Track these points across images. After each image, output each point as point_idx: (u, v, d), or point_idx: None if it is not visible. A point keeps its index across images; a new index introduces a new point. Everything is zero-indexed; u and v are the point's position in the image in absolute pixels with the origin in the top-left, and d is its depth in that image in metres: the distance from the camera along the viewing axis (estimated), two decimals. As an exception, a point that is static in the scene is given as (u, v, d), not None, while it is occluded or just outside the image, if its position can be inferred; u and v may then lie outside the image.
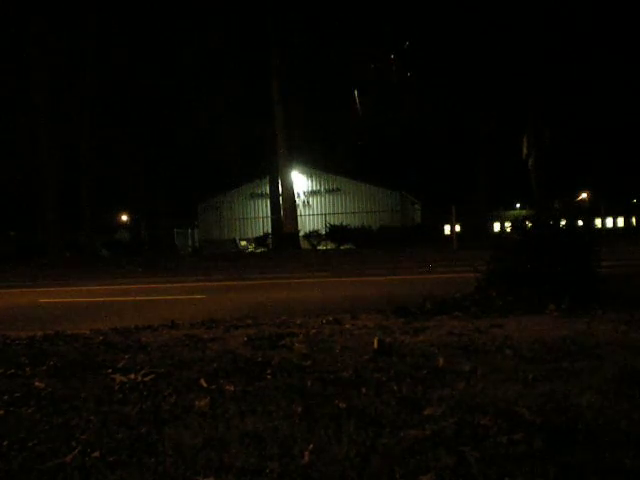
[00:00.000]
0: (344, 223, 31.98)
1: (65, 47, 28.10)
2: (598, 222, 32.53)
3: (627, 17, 29.95)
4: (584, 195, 47.36)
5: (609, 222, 43.39)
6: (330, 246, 30.84)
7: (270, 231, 33.07)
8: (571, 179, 39.39)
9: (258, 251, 31.79)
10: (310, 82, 31.04)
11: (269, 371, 4.04)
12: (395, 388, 3.48)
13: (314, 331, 5.78)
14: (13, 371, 4.39)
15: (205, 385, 3.75)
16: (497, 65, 30.13)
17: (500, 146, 32.19)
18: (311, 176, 36.99)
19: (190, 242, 39.59)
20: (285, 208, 30.56)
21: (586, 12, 29.39)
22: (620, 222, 46.59)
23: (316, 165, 37.63)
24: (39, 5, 26.81)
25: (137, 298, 11.33)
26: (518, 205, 48.09)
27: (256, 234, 34.78)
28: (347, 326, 6.05)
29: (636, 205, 49.61)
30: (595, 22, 29.71)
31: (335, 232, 31.01)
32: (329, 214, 34.38)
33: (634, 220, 47.35)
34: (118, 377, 4.03)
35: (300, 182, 35.46)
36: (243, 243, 35.53)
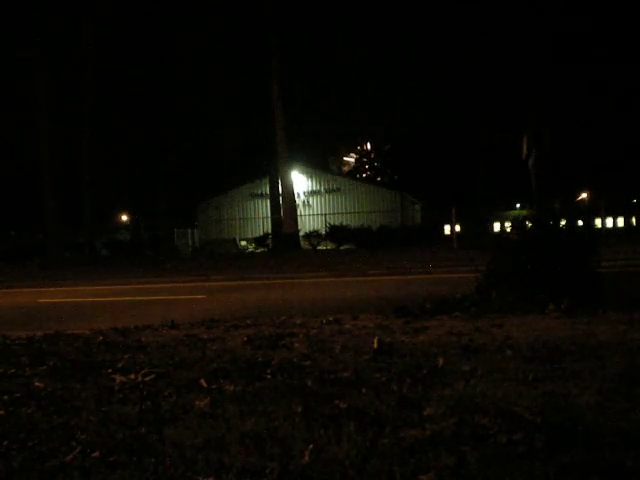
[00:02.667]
0: (344, 223, 31.96)
1: (65, 46, 28.10)
2: (598, 222, 32.50)
3: (626, 17, 29.97)
4: (584, 195, 47.35)
5: (609, 222, 43.34)
6: (330, 246, 30.83)
7: (270, 231, 33.06)
8: (571, 179, 39.38)
9: (258, 251, 31.77)
10: (310, 82, 31.02)
11: (269, 371, 4.03)
12: (395, 388, 3.48)
13: (314, 331, 5.78)
14: (13, 371, 4.39)
15: (205, 385, 3.75)
16: (497, 66, 30.15)
17: (500, 146, 32.21)
18: (311, 176, 36.99)
19: (190, 242, 39.54)
20: (285, 208, 30.56)
21: (586, 12, 29.40)
22: (620, 222, 46.54)
23: (316, 165, 37.63)
24: (40, 5, 26.82)
25: (137, 298, 11.34)
26: (518, 205, 48.07)
27: (256, 234, 34.75)
28: (347, 326, 6.05)
29: (636, 205, 49.58)
30: (595, 22, 29.73)
31: (335, 232, 31.00)
32: (329, 214, 34.35)
33: (634, 220, 47.34)
34: (118, 377, 4.03)
35: (300, 182, 35.45)
36: (243, 243, 35.51)
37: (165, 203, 35.20)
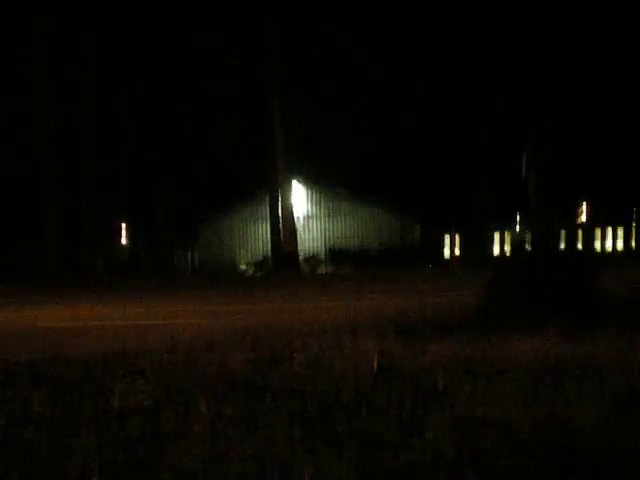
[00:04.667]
0: (343, 244, 31.97)
1: (66, 50, 28.09)
2: (597, 233, 32.47)
3: (624, 30, 30.21)
4: (583, 208, 47.15)
5: (609, 234, 43.16)
6: (329, 269, 30.84)
7: (270, 253, 33.07)
8: (571, 192, 39.31)
9: (258, 274, 31.79)
10: (311, 101, 31.09)
11: (269, 394, 4.02)
12: (395, 410, 3.47)
13: (314, 353, 5.76)
14: (11, 394, 4.37)
15: (204, 409, 3.73)
16: (497, 81, 30.31)
17: (500, 165, 32.31)
18: (311, 197, 37.06)
19: (190, 263, 39.55)
20: (284, 227, 30.58)
21: (585, 28, 29.66)
22: (619, 234, 46.32)
23: (316, 185, 37.71)
24: (41, 5, 26.84)
25: (136, 322, 11.30)
26: (518, 216, 47.95)
27: (256, 255, 34.75)
28: (347, 348, 6.03)
29: (636, 219, 49.33)
30: (593, 38, 29.99)
31: (334, 254, 31.05)
32: (329, 235, 34.36)
33: (634, 231, 47.03)
34: (117, 401, 4.01)
35: (300, 203, 35.53)
36: (243, 266, 35.53)
37: (165, 224, 35.20)
